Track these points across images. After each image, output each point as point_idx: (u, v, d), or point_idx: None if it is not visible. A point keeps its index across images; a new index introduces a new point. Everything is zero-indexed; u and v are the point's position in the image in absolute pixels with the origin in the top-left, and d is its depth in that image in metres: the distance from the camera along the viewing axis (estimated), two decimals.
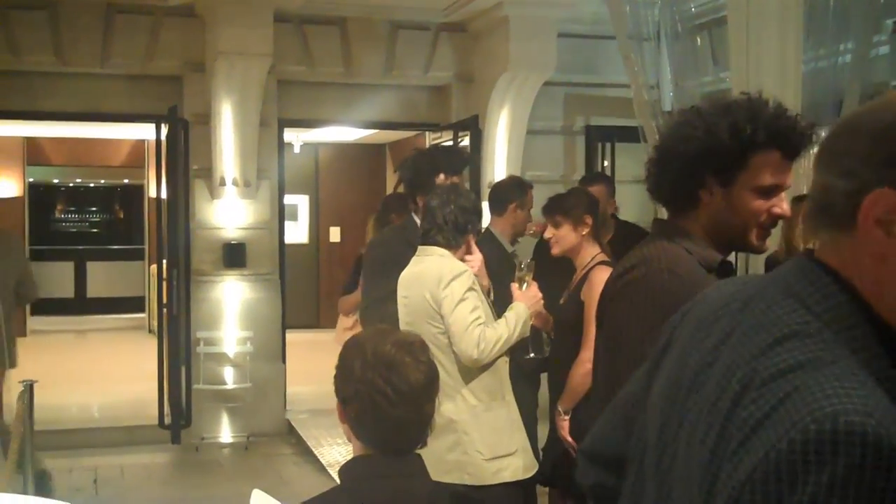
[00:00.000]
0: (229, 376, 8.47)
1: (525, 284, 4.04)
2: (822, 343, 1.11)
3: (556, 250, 4.27)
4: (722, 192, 2.24)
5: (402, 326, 3.76)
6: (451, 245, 3.88)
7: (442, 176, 4.34)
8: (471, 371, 3.77)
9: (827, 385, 1.04)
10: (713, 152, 2.19)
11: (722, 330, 1.24)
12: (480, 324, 3.72)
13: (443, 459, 3.66)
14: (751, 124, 2.15)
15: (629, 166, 8.44)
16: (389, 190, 10.96)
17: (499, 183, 5.39)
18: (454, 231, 3.88)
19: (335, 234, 14.52)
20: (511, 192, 4.98)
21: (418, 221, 4.38)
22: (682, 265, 2.27)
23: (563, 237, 4.22)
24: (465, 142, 8.79)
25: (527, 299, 3.97)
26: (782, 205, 2.27)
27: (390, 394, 2.06)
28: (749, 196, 2.23)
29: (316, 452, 7.62)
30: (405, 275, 3.92)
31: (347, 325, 6.40)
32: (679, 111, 2.36)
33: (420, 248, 3.93)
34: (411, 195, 4.48)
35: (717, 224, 2.29)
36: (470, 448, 3.72)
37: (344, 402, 2.14)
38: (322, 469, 7.28)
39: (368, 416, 2.10)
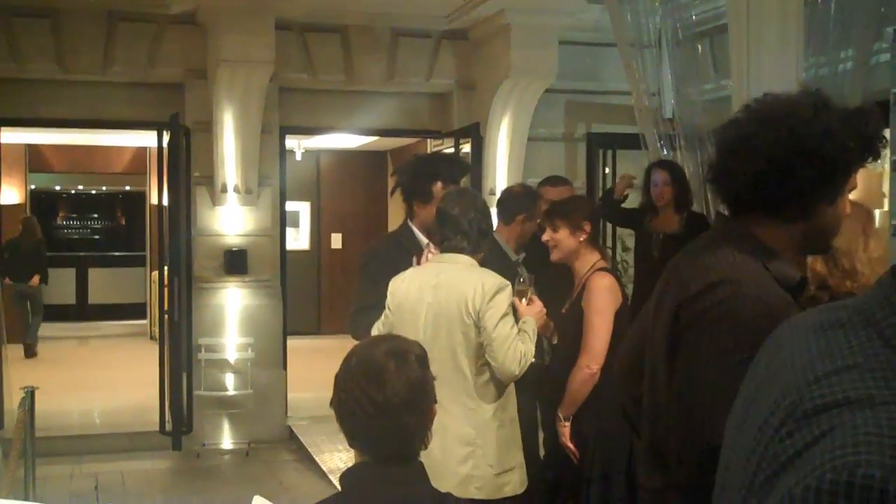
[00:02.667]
0: (230, 383, 8.48)
1: (526, 299, 4.03)
2: (884, 380, 0.98)
3: (554, 255, 4.28)
4: (834, 201, 2.14)
5: (420, 333, 3.69)
6: (476, 251, 3.87)
7: (440, 184, 4.31)
8: (492, 386, 3.76)
9: (862, 429, 0.92)
10: (862, 163, 2.10)
11: (791, 347, 1.15)
12: (519, 339, 3.75)
13: (453, 472, 3.66)
14: (877, 130, 2.08)
15: (630, 173, 8.45)
16: (390, 197, 10.92)
17: (510, 191, 5.34)
18: (479, 237, 3.86)
19: (336, 241, 14.53)
20: (521, 203, 4.95)
21: (414, 228, 4.37)
22: (770, 291, 2.12)
23: (561, 241, 4.23)
24: (467, 149, 8.80)
25: (534, 314, 3.96)
26: (847, 207, 2.21)
27: (366, 405, 2.04)
28: (845, 202, 2.17)
29: (317, 459, 7.62)
30: (425, 281, 3.84)
31: None
32: (813, 118, 2.12)
33: (440, 255, 3.89)
34: (408, 202, 4.44)
35: (818, 233, 2.18)
36: (482, 462, 3.71)
37: (333, 409, 2.14)
38: (323, 475, 7.27)
39: (348, 425, 2.10)
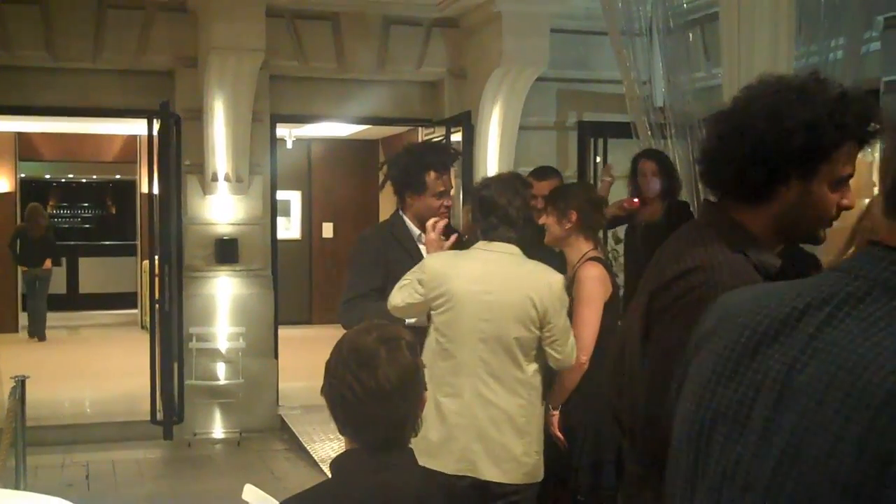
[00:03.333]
0: (221, 372, 8.47)
1: None
2: None
3: (546, 239, 4.32)
4: (800, 186, 2.10)
5: (475, 321, 3.69)
6: (521, 240, 3.84)
7: (433, 173, 4.30)
8: (539, 376, 3.81)
9: None
10: (813, 147, 2.05)
11: (808, 328, 1.14)
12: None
13: (511, 459, 3.71)
14: (848, 114, 2.03)
15: (621, 162, 8.43)
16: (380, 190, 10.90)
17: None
18: (524, 225, 3.85)
19: (328, 230, 14.52)
20: None
21: (406, 219, 4.35)
22: (745, 279, 2.07)
23: (549, 227, 4.26)
24: (458, 137, 8.79)
25: None
26: (849, 196, 2.15)
27: (358, 390, 2.05)
28: (826, 189, 2.10)
29: (308, 448, 7.63)
30: (474, 269, 3.77)
31: None
32: (761, 96, 2.11)
33: (485, 243, 3.82)
34: (400, 194, 4.42)
35: (788, 218, 2.14)
36: (530, 448, 3.77)
37: (324, 396, 2.14)
38: (314, 464, 7.28)
39: (339, 411, 2.10)
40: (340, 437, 2.20)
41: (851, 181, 2.18)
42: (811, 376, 1.10)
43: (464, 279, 3.75)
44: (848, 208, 2.17)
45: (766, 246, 2.20)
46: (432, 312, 3.79)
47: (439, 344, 3.74)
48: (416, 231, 4.29)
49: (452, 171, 4.58)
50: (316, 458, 7.36)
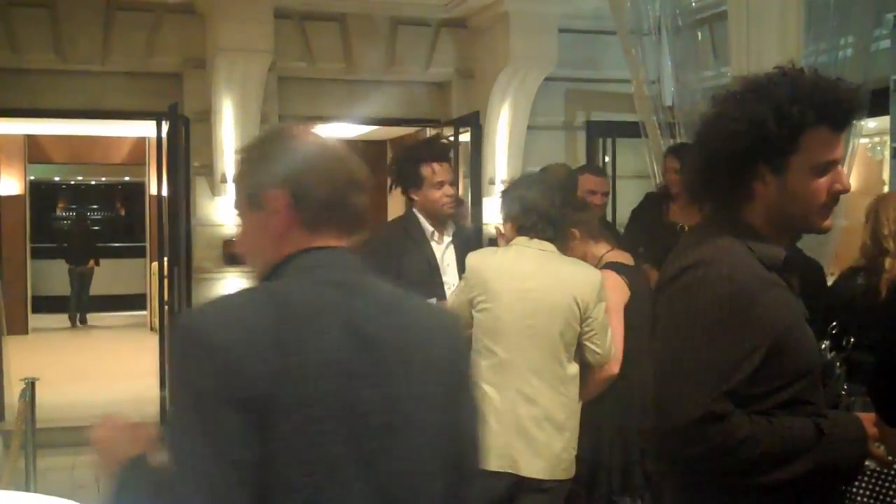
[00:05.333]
0: None
1: None
2: None
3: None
4: (776, 180, 2.12)
5: (516, 319, 3.70)
6: (557, 240, 3.84)
7: (425, 165, 4.34)
8: (577, 373, 3.82)
9: None
10: (762, 143, 2.07)
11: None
12: None
13: (554, 455, 3.73)
14: (795, 105, 2.05)
15: (630, 162, 8.42)
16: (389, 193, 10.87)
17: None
18: (562, 222, 3.85)
19: None
20: None
21: (419, 215, 4.37)
22: (744, 271, 2.09)
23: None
24: (466, 138, 8.78)
25: None
26: (841, 179, 2.14)
27: None
28: (805, 178, 2.11)
29: None
30: (516, 266, 3.78)
31: None
32: (714, 99, 2.19)
33: (525, 239, 3.81)
34: (403, 191, 4.47)
35: (775, 213, 2.16)
36: (569, 445, 3.78)
37: None
38: None
39: None
40: None
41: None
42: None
43: (504, 276, 3.77)
44: (842, 192, 2.16)
45: (769, 239, 2.19)
46: (473, 310, 3.79)
47: (479, 342, 3.73)
48: (429, 228, 4.33)
49: (460, 171, 4.61)
50: None
